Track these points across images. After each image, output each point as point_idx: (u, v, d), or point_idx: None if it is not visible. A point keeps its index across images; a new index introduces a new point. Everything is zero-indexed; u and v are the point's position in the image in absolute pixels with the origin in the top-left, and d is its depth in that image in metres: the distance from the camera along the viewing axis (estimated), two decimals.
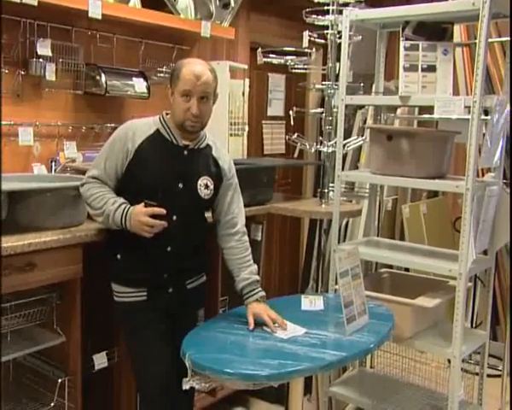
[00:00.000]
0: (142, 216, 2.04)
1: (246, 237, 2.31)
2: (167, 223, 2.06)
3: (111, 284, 2.21)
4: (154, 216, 2.04)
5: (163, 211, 2.05)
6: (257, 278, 2.24)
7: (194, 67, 2.10)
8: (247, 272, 2.23)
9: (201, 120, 2.14)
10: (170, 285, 2.20)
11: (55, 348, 2.30)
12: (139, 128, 2.15)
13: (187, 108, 2.10)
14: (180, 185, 2.15)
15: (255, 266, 2.28)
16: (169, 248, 2.15)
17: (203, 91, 2.10)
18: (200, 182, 2.18)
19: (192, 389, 1.88)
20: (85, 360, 2.39)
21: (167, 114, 2.20)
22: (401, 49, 2.51)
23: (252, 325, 2.08)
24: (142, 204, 2.06)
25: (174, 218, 2.13)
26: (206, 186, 2.20)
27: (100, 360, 2.47)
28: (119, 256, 2.18)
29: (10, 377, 2.44)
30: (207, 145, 2.25)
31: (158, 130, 2.16)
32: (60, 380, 2.27)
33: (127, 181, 2.14)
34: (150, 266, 2.15)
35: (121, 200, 2.11)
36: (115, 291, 2.20)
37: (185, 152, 2.18)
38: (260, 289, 2.21)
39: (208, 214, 2.33)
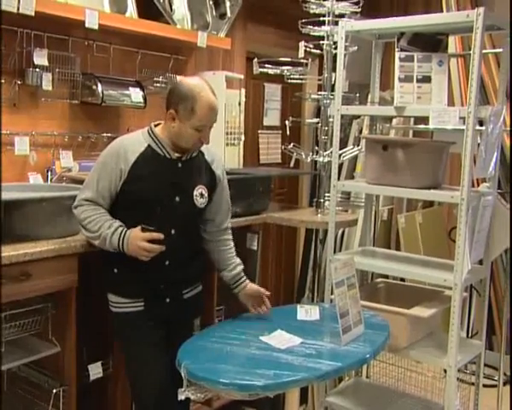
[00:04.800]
0: (139, 241, 2.03)
1: (230, 232, 2.40)
2: (166, 237, 2.05)
3: (107, 294, 2.21)
4: (152, 240, 2.03)
5: (161, 236, 2.04)
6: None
7: (209, 99, 2.07)
8: (237, 262, 2.36)
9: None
10: (167, 295, 2.20)
11: (50, 358, 2.28)
12: (130, 146, 2.11)
13: (198, 139, 2.11)
14: (177, 199, 2.15)
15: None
16: (167, 262, 2.14)
17: (215, 122, 2.14)
18: (195, 192, 2.18)
19: (188, 399, 1.88)
20: (80, 370, 2.38)
21: (156, 125, 2.18)
22: (396, 59, 2.53)
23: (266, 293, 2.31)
24: (139, 228, 2.04)
25: (172, 232, 2.12)
26: (202, 195, 2.20)
27: (95, 370, 2.46)
28: (115, 270, 2.17)
29: (5, 387, 2.42)
30: (199, 152, 2.24)
31: (149, 145, 2.13)
32: (55, 390, 2.25)
33: (122, 199, 2.12)
34: (147, 279, 2.15)
35: (117, 223, 2.09)
36: (111, 301, 2.19)
37: (179, 164, 2.16)
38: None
39: None
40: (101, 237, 2.08)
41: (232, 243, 2.38)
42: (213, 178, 2.26)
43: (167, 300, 2.20)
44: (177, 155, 2.15)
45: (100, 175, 2.10)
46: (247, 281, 2.34)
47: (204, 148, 2.25)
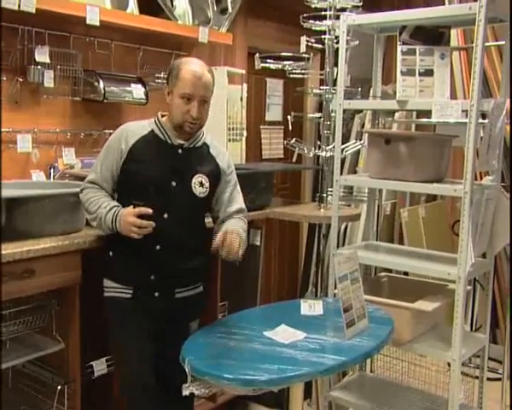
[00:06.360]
0: (129, 216, 2.04)
1: (241, 215, 2.29)
2: (158, 220, 2.05)
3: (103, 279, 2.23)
4: (141, 216, 2.03)
5: (149, 211, 2.04)
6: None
7: (194, 68, 2.11)
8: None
9: (200, 121, 2.16)
10: (156, 289, 2.17)
11: (55, 355, 2.29)
12: (133, 129, 2.18)
13: (186, 111, 2.10)
14: (173, 183, 2.15)
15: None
16: (158, 247, 2.13)
17: (203, 95, 2.11)
18: (194, 180, 2.18)
19: (192, 394, 1.88)
20: (85, 367, 2.39)
21: (163, 115, 2.22)
22: (398, 53, 2.52)
23: (219, 241, 2.03)
24: (131, 206, 2.06)
25: (165, 216, 2.12)
26: (201, 184, 2.19)
27: (99, 367, 2.46)
28: (111, 253, 2.20)
29: (9, 384, 2.43)
30: (204, 144, 2.25)
31: (152, 130, 2.18)
32: (59, 387, 2.26)
33: (123, 181, 2.16)
34: (138, 264, 2.14)
35: (113, 203, 2.12)
36: (104, 286, 2.21)
37: (180, 151, 2.18)
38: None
39: (208, 220, 2.32)
40: (97, 217, 2.12)
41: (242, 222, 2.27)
42: (217, 171, 2.25)
43: (156, 294, 2.17)
44: (179, 141, 2.18)
45: (104, 158, 2.17)
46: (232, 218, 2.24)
47: (209, 142, 2.27)
